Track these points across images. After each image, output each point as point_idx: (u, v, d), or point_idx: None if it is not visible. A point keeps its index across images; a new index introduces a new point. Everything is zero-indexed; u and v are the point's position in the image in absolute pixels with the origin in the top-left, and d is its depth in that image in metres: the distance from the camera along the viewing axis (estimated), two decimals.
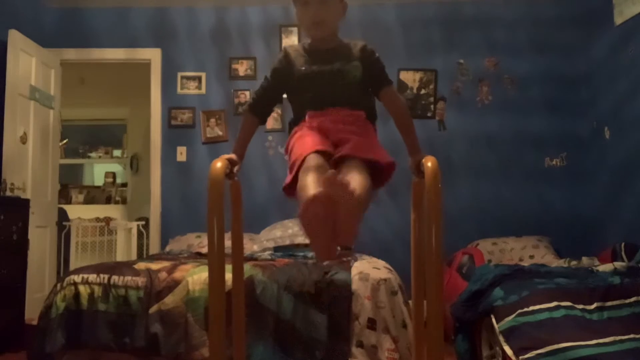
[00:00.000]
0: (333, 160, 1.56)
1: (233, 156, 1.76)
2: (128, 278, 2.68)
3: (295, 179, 1.54)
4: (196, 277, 2.64)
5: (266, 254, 3.40)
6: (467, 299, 2.67)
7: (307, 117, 1.73)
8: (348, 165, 1.52)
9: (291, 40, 4.52)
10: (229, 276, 1.77)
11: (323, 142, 1.62)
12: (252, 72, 4.53)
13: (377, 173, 1.60)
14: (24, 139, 3.92)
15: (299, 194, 1.45)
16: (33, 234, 3.79)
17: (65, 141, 6.70)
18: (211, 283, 1.57)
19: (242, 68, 4.55)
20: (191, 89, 4.56)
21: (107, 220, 5.62)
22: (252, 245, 3.79)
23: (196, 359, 2.49)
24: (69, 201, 6.73)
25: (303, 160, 1.53)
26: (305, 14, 1.76)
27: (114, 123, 7.31)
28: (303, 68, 1.77)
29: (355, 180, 1.41)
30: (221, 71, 4.55)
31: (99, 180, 7.34)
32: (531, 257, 3.69)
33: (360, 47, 1.81)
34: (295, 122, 1.81)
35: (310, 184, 1.40)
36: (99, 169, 7.53)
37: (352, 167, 1.51)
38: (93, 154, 7.21)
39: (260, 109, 1.90)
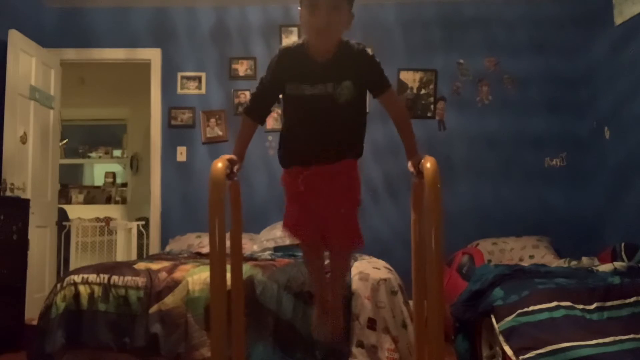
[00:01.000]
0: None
1: (233, 156, 1.77)
2: (128, 278, 2.68)
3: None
4: (196, 277, 2.64)
5: (266, 254, 3.40)
6: (467, 299, 2.67)
7: (294, 170, 1.83)
8: (336, 254, 1.96)
9: (291, 40, 4.50)
10: (228, 276, 1.77)
11: (312, 231, 1.88)
12: (252, 72, 4.53)
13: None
14: (24, 139, 3.92)
15: (303, 259, 2.21)
16: (33, 234, 3.79)
17: (65, 141, 6.70)
18: (212, 283, 1.57)
19: (242, 68, 4.55)
20: (191, 89, 4.56)
21: (107, 220, 5.62)
22: (252, 245, 3.79)
23: (196, 359, 2.49)
24: (69, 201, 6.73)
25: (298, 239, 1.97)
26: (311, 19, 1.67)
27: (114, 123, 7.30)
28: (295, 88, 1.74)
29: (339, 270, 2.01)
30: (221, 71, 4.55)
31: (99, 180, 7.34)
32: (531, 257, 3.69)
33: (357, 51, 1.77)
34: (283, 159, 1.88)
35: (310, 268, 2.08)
36: (99, 169, 7.52)
37: (339, 256, 1.96)
38: (93, 154, 7.20)
39: (257, 111, 1.89)
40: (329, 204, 1.81)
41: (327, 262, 2.00)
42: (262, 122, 1.92)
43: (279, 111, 4.36)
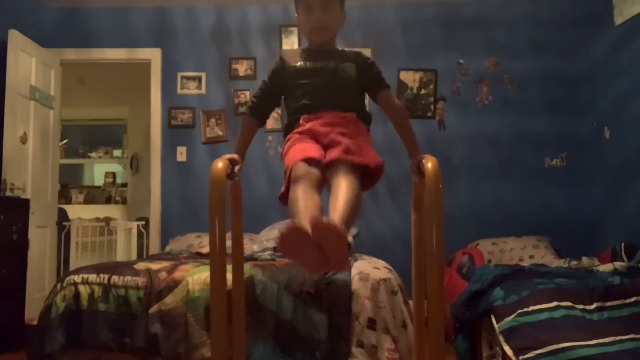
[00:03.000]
0: (323, 165, 1.59)
1: (234, 156, 1.77)
2: (128, 278, 2.68)
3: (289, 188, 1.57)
4: (196, 277, 2.64)
5: (266, 254, 3.40)
6: (467, 299, 2.68)
7: (301, 121, 1.75)
8: (337, 170, 1.55)
9: (291, 40, 4.52)
10: (229, 276, 1.77)
11: (312, 148, 1.63)
12: (252, 72, 4.53)
13: (367, 174, 1.63)
14: (24, 139, 3.92)
15: (289, 206, 1.49)
16: (33, 234, 3.79)
17: (65, 141, 6.70)
18: (212, 283, 1.57)
19: (242, 68, 4.55)
20: (191, 89, 4.56)
21: (107, 220, 5.62)
22: (252, 245, 3.79)
23: (196, 359, 2.49)
24: (69, 201, 6.74)
25: (293, 167, 1.56)
26: (306, 19, 1.79)
27: (114, 123, 7.31)
28: (298, 64, 1.81)
29: (344, 189, 1.47)
30: (221, 71, 4.55)
31: (99, 180, 7.34)
32: (531, 257, 3.69)
33: (355, 53, 1.85)
34: (289, 127, 1.82)
35: (299, 208, 1.44)
36: (99, 169, 7.52)
37: (341, 172, 1.54)
38: (93, 154, 7.21)
39: (258, 111, 1.91)
40: (332, 132, 1.68)
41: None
42: (263, 122, 1.94)
43: (279, 111, 4.37)
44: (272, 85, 1.87)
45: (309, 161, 1.57)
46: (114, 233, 5.50)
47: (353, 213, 1.45)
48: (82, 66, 5.19)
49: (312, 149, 1.62)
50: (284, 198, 1.61)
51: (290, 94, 1.84)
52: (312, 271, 1.66)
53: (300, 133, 1.72)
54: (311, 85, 1.77)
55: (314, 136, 1.69)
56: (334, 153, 1.59)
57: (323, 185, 1.59)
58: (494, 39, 4.46)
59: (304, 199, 1.45)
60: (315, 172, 1.55)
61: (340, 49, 1.87)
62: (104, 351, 2.58)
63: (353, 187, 1.50)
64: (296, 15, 1.86)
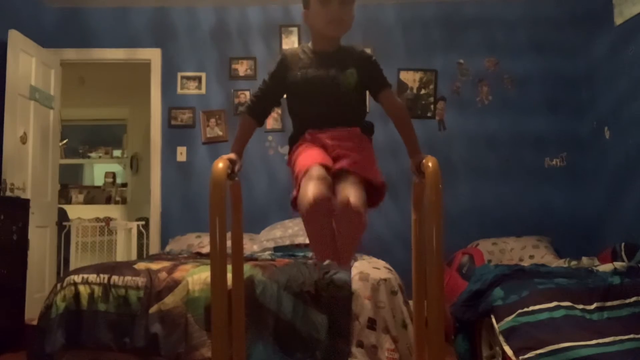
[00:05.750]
0: (332, 173, 1.60)
1: (233, 156, 1.77)
2: (128, 278, 2.68)
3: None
4: (196, 277, 2.64)
5: (266, 254, 3.40)
6: (467, 299, 2.68)
7: (307, 135, 1.77)
8: (346, 180, 1.58)
9: (291, 40, 4.52)
10: (229, 276, 1.77)
11: (324, 156, 1.66)
12: (252, 72, 4.53)
13: (371, 193, 1.64)
14: (24, 139, 3.92)
15: (300, 200, 1.51)
16: (33, 234, 3.78)
17: (65, 141, 6.70)
18: (213, 283, 1.57)
19: (242, 68, 4.55)
20: (191, 89, 4.56)
21: (107, 220, 5.62)
22: (252, 245, 3.79)
23: (196, 359, 2.49)
24: (69, 201, 6.73)
25: (306, 171, 1.57)
26: (324, 11, 1.73)
27: (114, 123, 7.30)
28: (299, 73, 1.79)
29: (354, 195, 1.52)
30: (221, 71, 4.55)
31: (99, 180, 7.34)
32: (531, 257, 3.69)
33: (358, 51, 1.84)
34: (294, 138, 1.84)
35: (312, 189, 1.49)
36: (99, 169, 7.52)
37: (350, 182, 1.57)
38: (93, 154, 7.20)
39: (257, 111, 1.90)
40: (339, 147, 1.70)
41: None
42: (262, 122, 1.93)
43: (279, 111, 4.37)
44: (272, 87, 1.86)
45: (323, 167, 1.59)
46: (114, 233, 5.49)
47: (364, 212, 1.53)
48: (82, 66, 5.19)
49: (323, 156, 1.65)
50: (296, 203, 1.59)
51: (293, 100, 1.86)
52: (321, 258, 1.67)
53: (308, 141, 1.75)
54: (314, 99, 1.78)
55: (322, 146, 1.71)
56: (342, 163, 1.63)
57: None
58: (494, 39, 4.46)
59: (316, 187, 1.49)
60: (328, 177, 1.57)
61: (343, 45, 1.84)
62: (104, 351, 2.58)
63: (362, 194, 1.55)
64: (304, 9, 1.80)
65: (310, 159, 1.63)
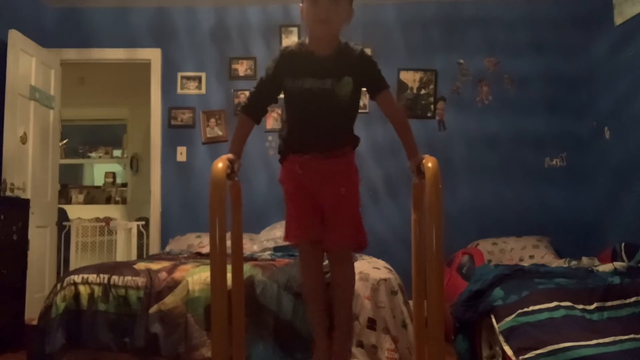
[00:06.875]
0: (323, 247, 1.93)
1: (231, 156, 1.77)
2: (128, 278, 2.67)
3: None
4: (196, 277, 2.64)
5: (266, 254, 3.40)
6: (467, 299, 2.67)
7: (297, 167, 1.86)
8: (337, 258, 1.97)
9: (291, 40, 4.51)
10: (229, 276, 1.77)
11: (314, 221, 1.90)
12: (252, 72, 4.53)
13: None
14: (24, 139, 3.92)
15: (301, 288, 2.06)
16: (33, 234, 3.79)
17: (65, 141, 6.70)
18: (213, 283, 1.57)
19: (242, 68, 4.55)
20: (191, 89, 4.56)
21: (107, 220, 5.62)
22: (252, 245, 3.79)
23: (196, 359, 2.49)
24: (69, 201, 6.73)
25: (298, 245, 1.98)
26: (313, 10, 1.74)
27: (114, 123, 7.31)
28: (294, 85, 1.81)
29: (344, 279, 1.97)
30: (221, 71, 4.55)
31: (99, 180, 7.34)
32: (531, 257, 3.69)
33: (357, 52, 1.83)
34: (285, 140, 1.91)
35: (308, 282, 2.01)
36: (99, 169, 7.52)
37: (341, 260, 1.96)
38: (93, 154, 7.20)
39: (254, 110, 1.91)
40: (328, 185, 1.86)
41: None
42: (259, 120, 1.93)
43: (279, 111, 4.37)
44: (268, 85, 1.87)
45: (312, 242, 1.91)
46: (114, 233, 5.49)
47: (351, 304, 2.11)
48: (82, 66, 5.18)
49: (313, 223, 1.89)
50: (286, 238, 2.00)
51: (288, 103, 1.88)
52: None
53: (295, 187, 1.90)
54: (308, 114, 1.82)
55: (310, 195, 1.88)
56: (332, 244, 1.91)
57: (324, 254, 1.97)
58: (494, 39, 4.46)
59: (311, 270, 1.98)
60: (320, 256, 1.96)
61: (343, 45, 1.83)
62: (104, 351, 2.58)
63: (352, 271, 2.02)
64: (300, 4, 1.81)
65: (300, 229, 1.91)
